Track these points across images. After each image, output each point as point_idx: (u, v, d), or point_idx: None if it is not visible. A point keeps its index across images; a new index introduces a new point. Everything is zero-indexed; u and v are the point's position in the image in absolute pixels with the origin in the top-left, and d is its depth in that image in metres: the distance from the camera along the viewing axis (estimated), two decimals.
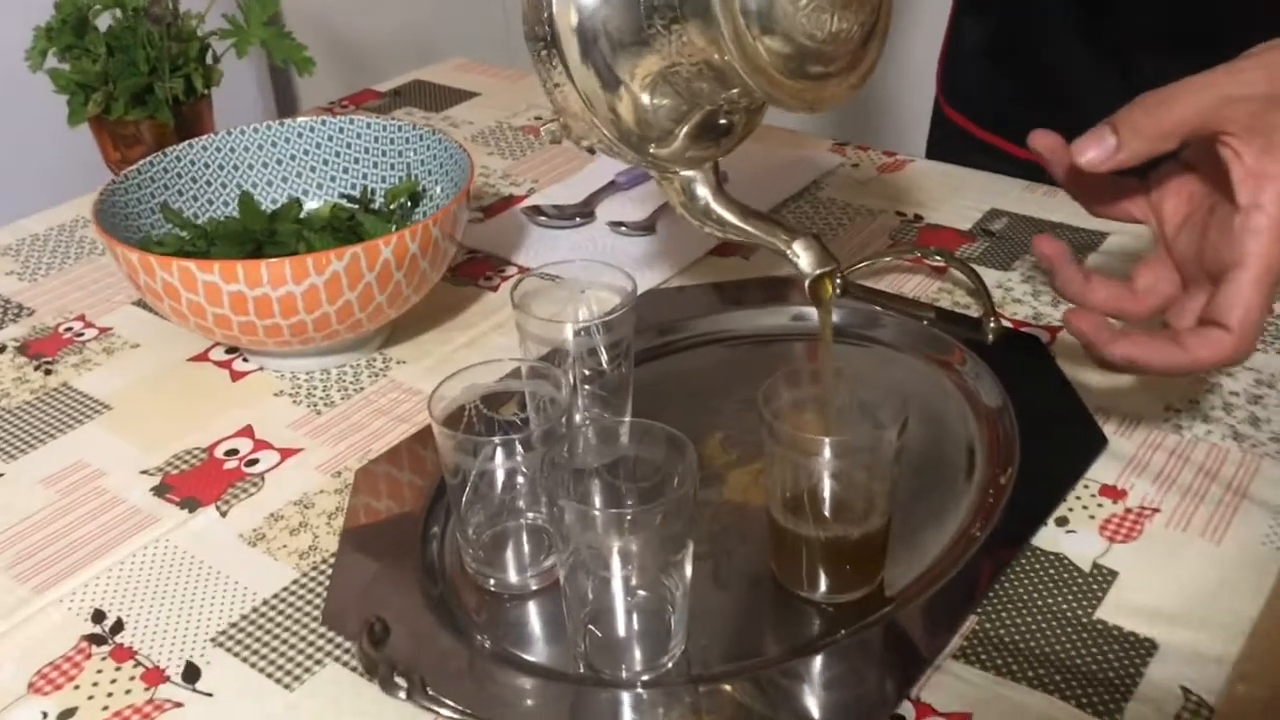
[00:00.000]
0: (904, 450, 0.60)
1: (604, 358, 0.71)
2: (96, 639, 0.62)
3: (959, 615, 0.60)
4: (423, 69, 1.32)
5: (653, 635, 0.59)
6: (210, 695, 0.59)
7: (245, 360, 0.83)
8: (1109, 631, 0.59)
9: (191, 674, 0.60)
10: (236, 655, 0.61)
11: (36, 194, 1.12)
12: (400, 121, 0.91)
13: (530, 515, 0.64)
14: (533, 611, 0.64)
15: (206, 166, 0.89)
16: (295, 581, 0.65)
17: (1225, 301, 0.59)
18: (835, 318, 0.82)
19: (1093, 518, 0.66)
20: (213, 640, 0.62)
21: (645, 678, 0.58)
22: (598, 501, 0.61)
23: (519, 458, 0.62)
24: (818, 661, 0.60)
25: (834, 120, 1.75)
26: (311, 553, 0.67)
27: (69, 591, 0.65)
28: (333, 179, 0.92)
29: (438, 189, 0.88)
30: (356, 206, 0.89)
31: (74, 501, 0.72)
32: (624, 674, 0.58)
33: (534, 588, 0.64)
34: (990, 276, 0.87)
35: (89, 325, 0.89)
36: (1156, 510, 0.66)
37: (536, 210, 1.00)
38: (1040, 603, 0.61)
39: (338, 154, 0.92)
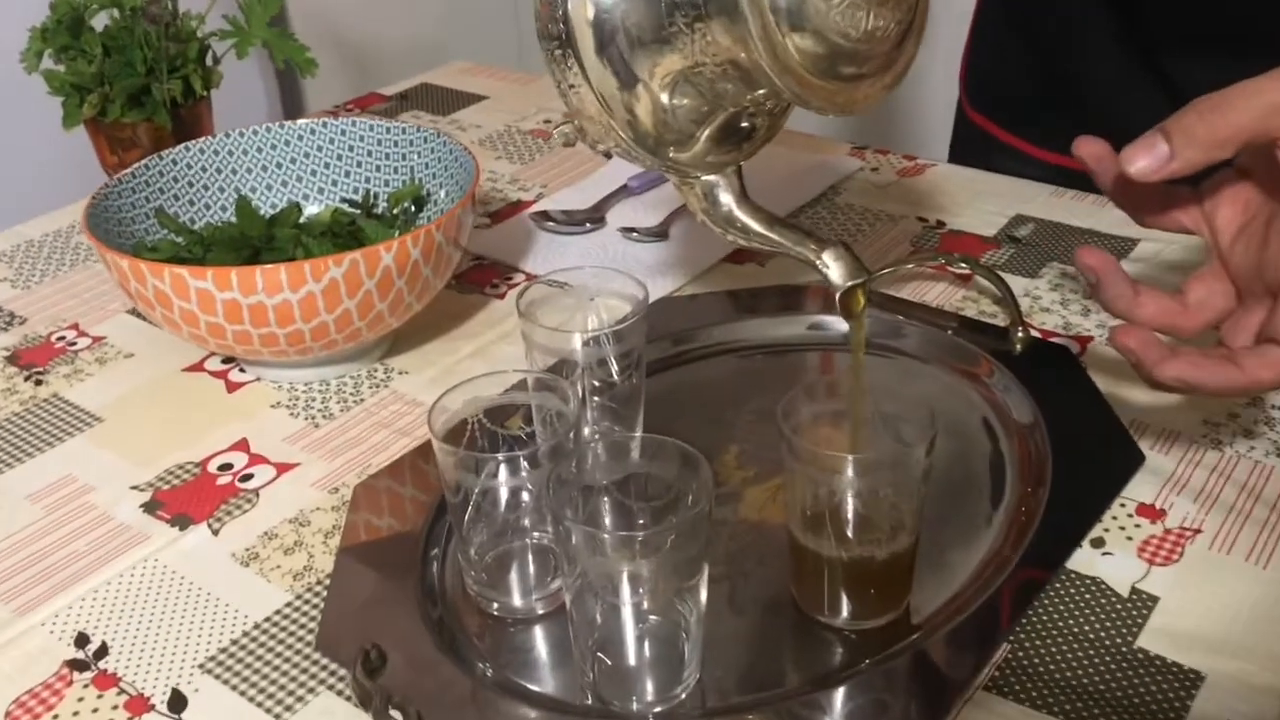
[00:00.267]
0: (932, 468, 0.57)
1: (614, 368, 0.67)
2: (79, 664, 0.59)
3: (990, 644, 0.57)
4: (429, 72, 1.29)
5: (665, 664, 0.55)
6: None
7: (242, 371, 0.80)
8: (1151, 662, 0.56)
9: (178, 703, 0.57)
10: (225, 683, 0.58)
11: (34, 199, 1.09)
12: (403, 124, 0.88)
13: (536, 535, 0.61)
14: (538, 637, 0.60)
15: (204, 170, 0.86)
16: (289, 604, 0.62)
17: None
18: None
19: (1130, 539, 0.63)
20: (201, 666, 0.59)
21: (657, 709, 0.55)
22: (606, 521, 0.58)
23: (524, 474, 0.59)
24: (840, 693, 0.56)
25: (853, 124, 1.72)
26: (306, 573, 0.64)
27: (52, 614, 0.62)
28: (334, 183, 0.89)
29: (442, 193, 0.85)
30: (358, 211, 0.86)
31: (60, 518, 0.69)
32: (634, 705, 0.55)
33: (540, 612, 0.61)
34: (1017, 284, 0.83)
35: (82, 334, 0.86)
36: (1198, 531, 0.63)
37: (545, 216, 0.96)
38: (1077, 630, 0.57)
39: (339, 157, 0.89)
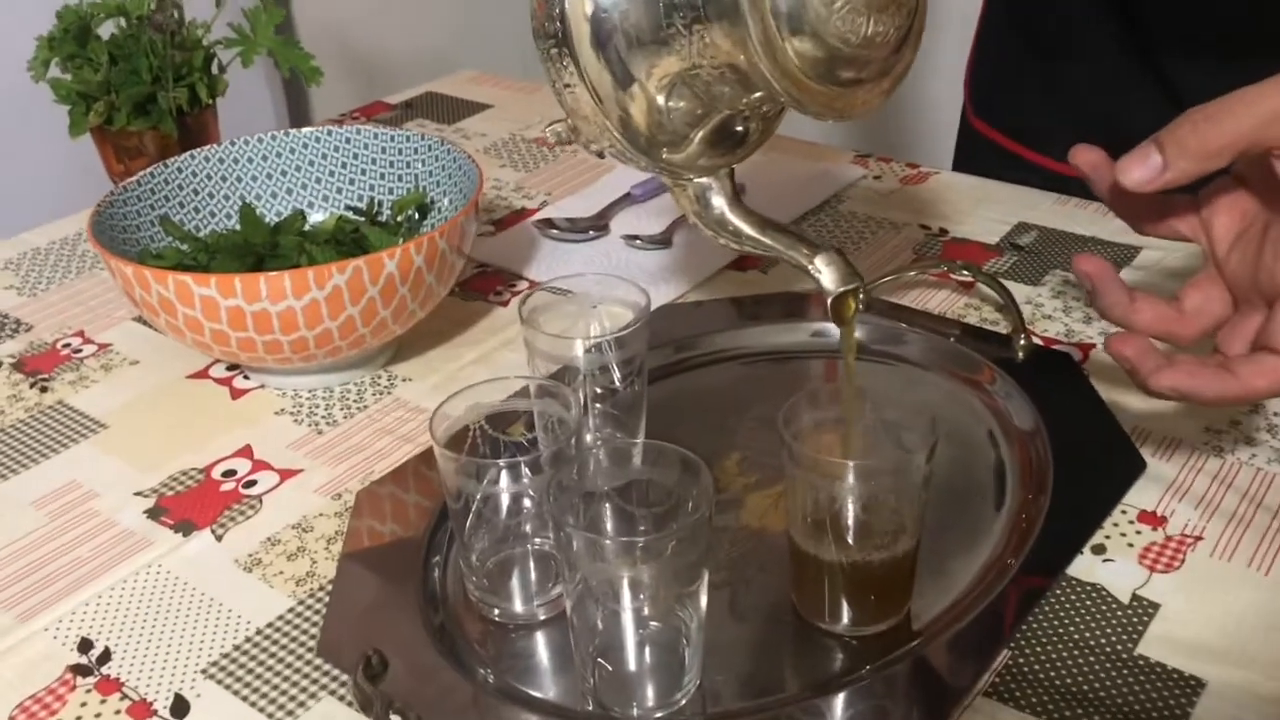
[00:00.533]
0: (933, 474, 0.57)
1: (616, 375, 0.67)
2: (82, 669, 0.59)
3: (991, 650, 0.57)
4: (435, 81, 1.30)
5: (666, 670, 0.55)
6: None
7: (246, 378, 0.81)
8: (1152, 669, 0.56)
9: (180, 708, 0.57)
10: (228, 688, 0.58)
11: (40, 207, 1.09)
12: (407, 132, 0.88)
13: (537, 541, 0.61)
14: (539, 643, 0.60)
15: (209, 178, 0.87)
16: (291, 610, 0.62)
17: None
18: (859, 334, 0.79)
19: (1131, 546, 0.63)
20: (203, 672, 0.59)
21: (658, 715, 0.55)
22: (607, 527, 0.58)
23: (525, 481, 0.59)
24: (841, 699, 0.56)
25: (858, 132, 1.72)
26: (309, 579, 0.64)
27: (56, 619, 0.62)
28: (339, 191, 0.89)
29: (446, 201, 0.85)
30: (362, 219, 0.86)
31: (65, 524, 0.69)
32: (635, 711, 0.55)
33: (541, 618, 0.61)
34: (1019, 292, 0.84)
35: (88, 341, 0.86)
36: (1199, 538, 0.63)
37: (549, 223, 0.97)
38: (1077, 636, 0.57)
39: (344, 165, 0.89)
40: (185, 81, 0.96)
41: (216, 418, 0.77)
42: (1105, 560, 0.62)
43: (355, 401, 0.78)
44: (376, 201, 0.88)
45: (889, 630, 0.59)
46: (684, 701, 0.55)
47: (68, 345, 0.86)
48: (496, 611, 0.61)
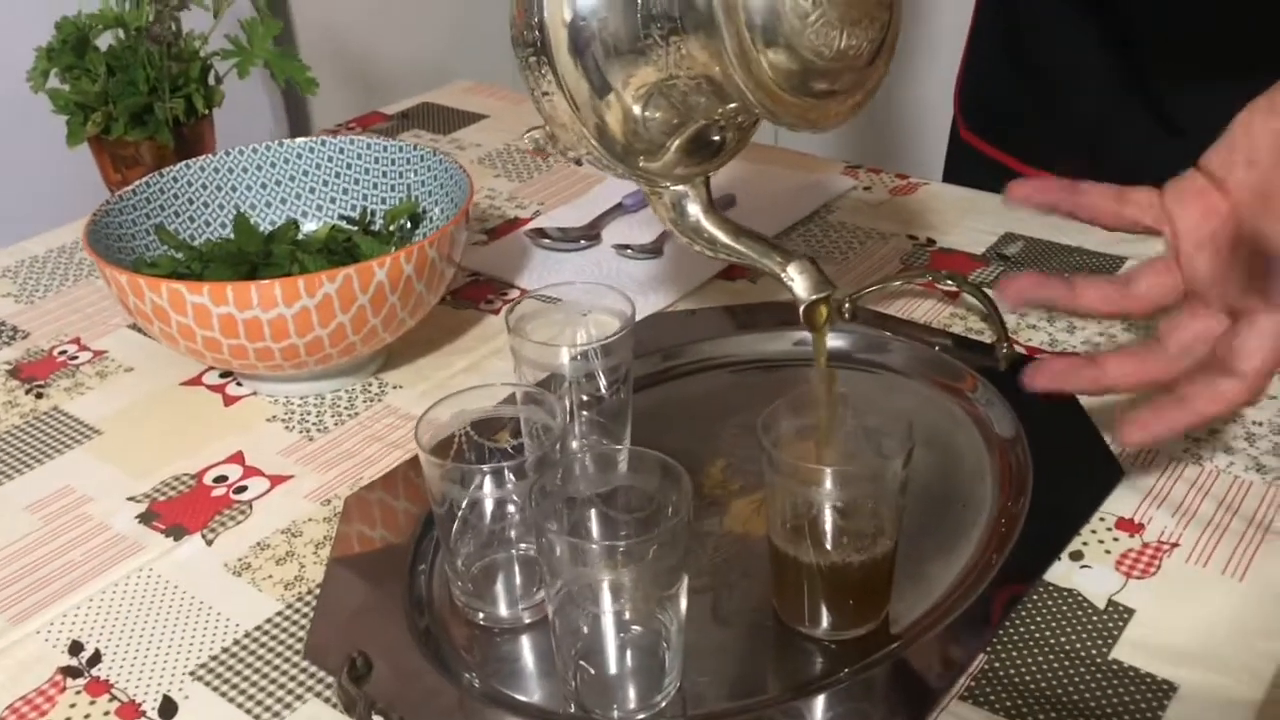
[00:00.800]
0: (910, 480, 0.58)
1: (602, 383, 0.68)
2: (72, 671, 0.60)
3: (967, 654, 0.58)
4: (431, 91, 1.31)
5: (647, 673, 0.56)
6: None
7: (239, 385, 0.82)
8: (1125, 673, 0.56)
9: (168, 709, 0.58)
10: (215, 689, 0.59)
11: (39, 215, 1.10)
12: (400, 143, 0.90)
13: (522, 546, 0.62)
14: (524, 647, 0.61)
15: (204, 188, 0.88)
16: (279, 613, 0.63)
17: (1246, 347, 0.58)
18: (844, 343, 0.80)
19: (1109, 552, 0.63)
20: (191, 674, 0.60)
21: (639, 717, 0.56)
22: (589, 532, 0.59)
23: (509, 486, 0.60)
24: (819, 701, 0.57)
25: (849, 143, 1.73)
26: (297, 583, 0.65)
27: (47, 622, 0.63)
28: (333, 200, 0.91)
29: (438, 210, 0.86)
30: (355, 228, 0.87)
31: (57, 529, 0.70)
32: (616, 714, 0.56)
33: (526, 621, 0.62)
34: (1003, 301, 0.84)
35: (83, 348, 0.87)
36: (1176, 545, 0.64)
37: (541, 233, 0.98)
38: (1053, 641, 0.58)
39: (337, 175, 0.90)
40: (182, 92, 0.98)
41: (209, 424, 0.78)
42: (1083, 567, 0.63)
43: (346, 408, 0.79)
44: (370, 211, 0.89)
45: (867, 634, 0.59)
46: (664, 704, 0.56)
47: (64, 352, 0.87)
48: (481, 615, 0.62)
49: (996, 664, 0.57)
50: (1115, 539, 0.64)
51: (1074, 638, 0.58)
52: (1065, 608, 0.60)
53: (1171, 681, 0.56)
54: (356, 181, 0.90)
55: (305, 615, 0.63)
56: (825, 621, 0.60)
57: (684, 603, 0.55)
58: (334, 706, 0.57)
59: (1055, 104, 1.00)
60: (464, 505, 0.60)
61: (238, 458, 0.75)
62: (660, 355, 0.81)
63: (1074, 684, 0.56)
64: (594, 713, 0.56)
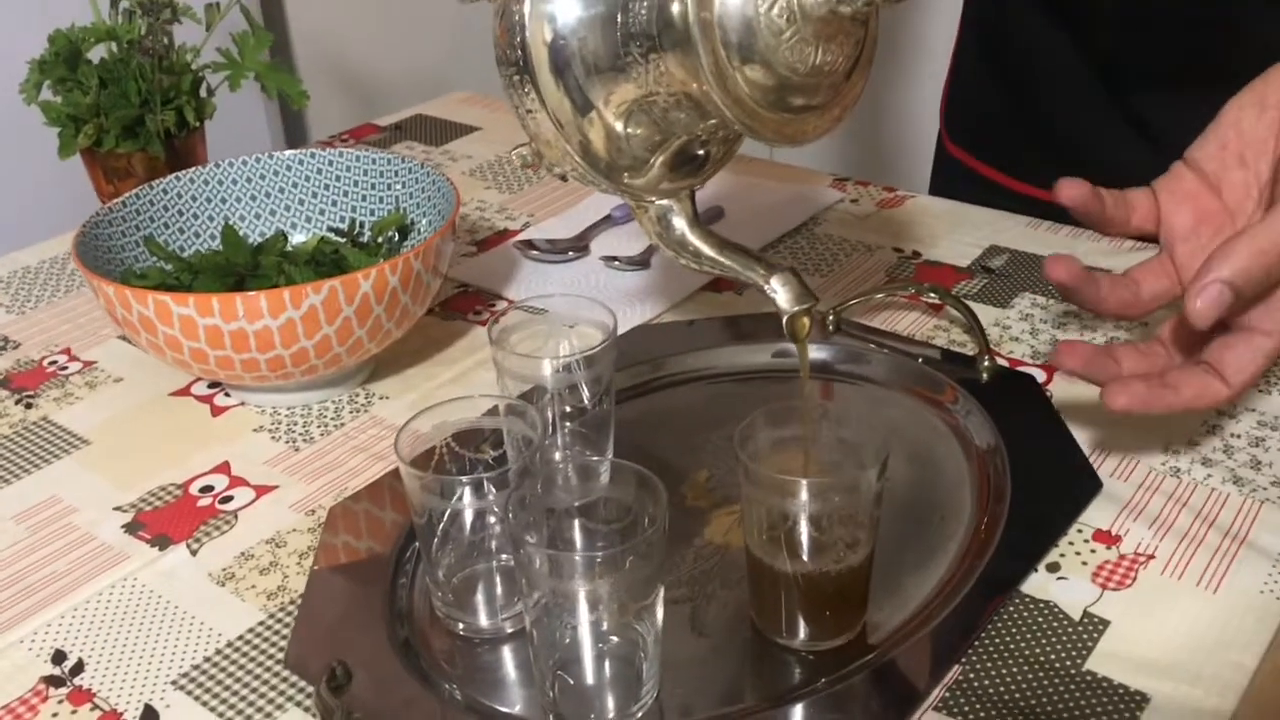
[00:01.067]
0: (887, 491, 0.58)
1: (585, 394, 0.69)
2: (55, 680, 0.61)
3: (943, 664, 0.58)
4: (425, 103, 1.31)
5: (624, 682, 0.57)
6: None
7: (227, 395, 0.82)
8: (1099, 683, 0.57)
9: (149, 718, 0.58)
10: (197, 699, 0.59)
11: (31, 227, 1.11)
12: (389, 155, 0.90)
13: (503, 557, 0.63)
14: (505, 657, 0.62)
15: (194, 199, 0.89)
16: (261, 623, 0.63)
17: (1237, 361, 0.62)
18: (827, 355, 0.81)
19: (1085, 564, 0.64)
20: (173, 683, 0.60)
21: None
22: (567, 543, 0.59)
23: (490, 498, 0.60)
24: (796, 711, 0.57)
25: (837, 156, 1.74)
26: (280, 593, 0.65)
27: (30, 632, 0.64)
28: (322, 212, 0.91)
29: (425, 222, 0.87)
30: (343, 240, 0.88)
31: (43, 538, 0.70)
32: None
33: (507, 631, 0.62)
34: (988, 314, 0.85)
35: (73, 359, 0.88)
36: (1151, 557, 0.64)
37: (529, 244, 0.98)
38: (1028, 652, 0.59)
39: (326, 187, 0.91)
40: (173, 105, 0.98)
41: (196, 434, 0.79)
42: (1059, 578, 0.63)
43: (333, 419, 0.79)
44: (358, 223, 0.89)
45: (844, 645, 0.60)
46: (641, 714, 0.57)
47: (54, 363, 0.87)
48: (461, 626, 0.62)
49: (971, 675, 0.58)
50: (1092, 550, 0.65)
51: (1049, 649, 0.59)
52: (1041, 619, 0.60)
53: (1144, 693, 0.56)
54: (345, 194, 0.91)
55: (288, 625, 0.63)
56: (803, 632, 0.60)
57: (660, 613, 0.55)
58: (315, 717, 0.58)
59: (1038, 118, 1.00)
60: (444, 516, 0.61)
61: (224, 468, 0.75)
62: (646, 366, 0.81)
63: (1048, 695, 0.56)
64: None
